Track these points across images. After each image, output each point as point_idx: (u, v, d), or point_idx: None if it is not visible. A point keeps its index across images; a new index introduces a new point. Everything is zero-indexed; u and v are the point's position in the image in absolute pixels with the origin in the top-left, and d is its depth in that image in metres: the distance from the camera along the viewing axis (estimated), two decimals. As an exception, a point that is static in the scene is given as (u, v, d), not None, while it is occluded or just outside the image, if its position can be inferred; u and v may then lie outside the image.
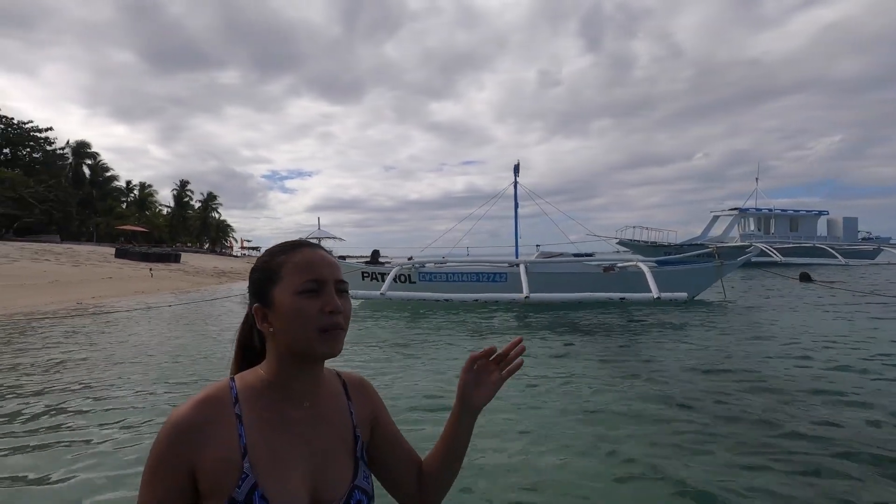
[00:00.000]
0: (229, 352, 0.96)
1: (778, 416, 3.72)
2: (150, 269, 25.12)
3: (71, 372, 5.50)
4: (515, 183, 15.19)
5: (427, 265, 13.59)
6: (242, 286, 24.48)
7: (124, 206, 58.78)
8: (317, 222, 30.59)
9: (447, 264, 13.96)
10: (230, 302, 14.80)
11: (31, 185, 40.54)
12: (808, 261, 29.65)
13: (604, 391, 4.52)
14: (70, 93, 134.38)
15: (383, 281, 12.06)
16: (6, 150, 47.09)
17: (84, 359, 6.20)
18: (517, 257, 14.10)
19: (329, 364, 0.92)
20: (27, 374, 5.39)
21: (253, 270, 0.88)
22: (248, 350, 0.93)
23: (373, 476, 0.93)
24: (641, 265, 11.54)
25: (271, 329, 0.82)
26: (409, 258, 15.49)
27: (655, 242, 34.44)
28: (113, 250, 31.01)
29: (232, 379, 0.84)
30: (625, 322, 9.04)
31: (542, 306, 11.01)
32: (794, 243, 33.47)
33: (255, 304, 0.85)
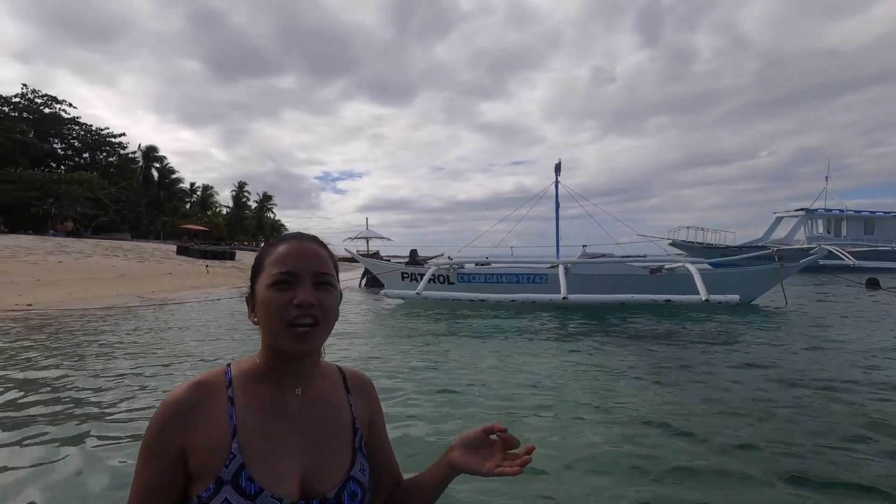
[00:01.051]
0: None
1: (836, 450, 3.04)
2: (207, 266, 26.51)
3: (131, 355, 5.83)
4: (557, 182, 14.85)
5: (466, 265, 13.51)
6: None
7: (188, 206, 62.49)
8: (365, 222, 31.32)
9: (490, 265, 13.84)
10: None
11: (106, 186, 43.87)
12: (886, 265, 27.12)
13: (646, 404, 4.04)
14: (143, 101, 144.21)
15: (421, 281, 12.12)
16: (85, 155, 51.26)
17: (139, 342, 6.58)
18: (558, 258, 13.75)
19: (334, 360, 0.98)
20: (107, 355, 5.77)
21: (254, 261, 0.91)
22: None
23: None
24: (689, 266, 10.97)
25: (256, 320, 0.85)
26: (442, 254, 15.50)
27: (711, 244, 32.54)
28: (175, 248, 32.98)
29: (228, 365, 0.87)
30: (672, 327, 8.55)
31: (585, 309, 10.62)
32: (869, 246, 30.71)
33: (247, 295, 0.89)
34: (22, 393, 4.30)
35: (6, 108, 44.79)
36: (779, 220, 37.88)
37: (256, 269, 0.87)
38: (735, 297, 9.77)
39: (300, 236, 0.90)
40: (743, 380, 4.86)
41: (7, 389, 4.41)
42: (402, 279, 13.58)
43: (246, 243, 61.85)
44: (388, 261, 17.38)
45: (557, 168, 14.83)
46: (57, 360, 5.61)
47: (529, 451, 0.84)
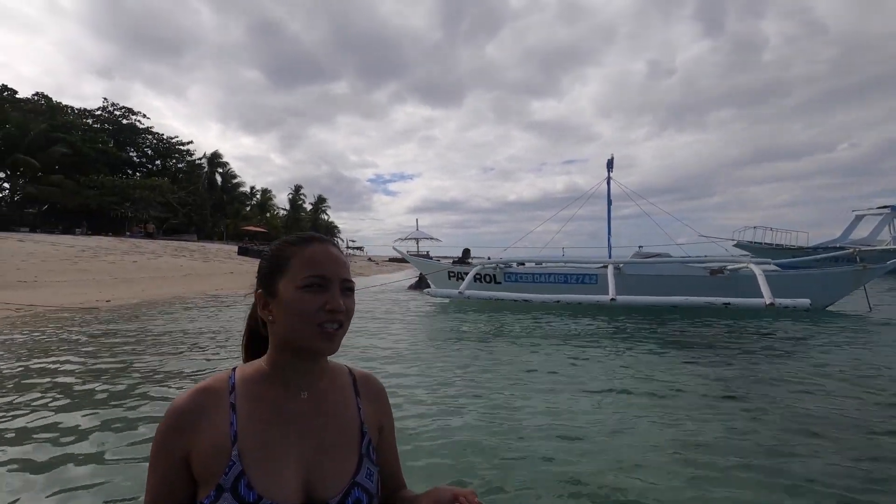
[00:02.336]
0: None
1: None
2: (265, 266, 27.65)
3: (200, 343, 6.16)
4: (609, 179, 14.30)
5: (514, 265, 13.29)
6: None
7: (248, 209, 65.65)
8: (415, 224, 31.66)
9: (540, 264, 13.56)
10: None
11: (175, 191, 46.95)
12: None
13: (704, 418, 3.69)
14: (209, 110, 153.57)
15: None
16: (157, 162, 55.11)
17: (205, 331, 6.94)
18: (610, 258, 13.24)
19: (340, 359, 0.96)
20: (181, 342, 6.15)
21: (263, 257, 0.90)
22: (257, 337, 0.95)
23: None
24: (753, 267, 10.18)
25: (271, 317, 0.84)
26: (488, 258, 15.29)
27: (781, 245, 30.01)
28: (236, 248, 34.72)
29: (234, 369, 0.87)
30: (740, 333, 7.95)
31: (643, 311, 10.11)
32: None
33: (259, 290, 0.86)
34: (117, 376, 4.62)
35: (90, 121, 48.98)
36: (859, 218, 34.68)
37: (277, 268, 0.84)
38: (804, 302, 8.94)
39: (322, 239, 0.89)
40: (827, 396, 4.37)
41: (106, 374, 4.75)
42: (450, 278, 13.56)
43: (302, 244, 64.14)
44: (438, 261, 17.40)
45: (610, 164, 14.26)
46: (139, 348, 6.00)
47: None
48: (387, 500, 0.97)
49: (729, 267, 11.41)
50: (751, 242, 30.37)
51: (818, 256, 14.22)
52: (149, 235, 40.34)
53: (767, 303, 8.79)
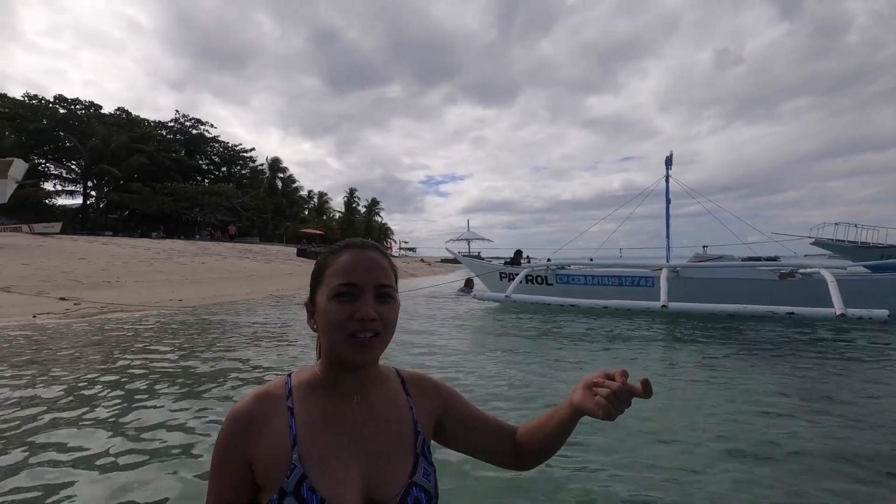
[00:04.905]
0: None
1: None
2: (322, 267, 28.65)
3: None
4: (668, 177, 13.66)
5: (566, 267, 13.03)
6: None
7: (306, 212, 68.31)
8: (466, 224, 31.74)
9: (593, 266, 13.22)
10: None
11: (239, 196, 49.68)
12: None
13: (783, 436, 3.36)
14: (270, 117, 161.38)
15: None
16: (223, 169, 58.50)
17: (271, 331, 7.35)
18: (668, 260, 12.69)
19: (388, 362, 0.97)
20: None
21: (315, 264, 0.91)
22: None
23: (436, 475, 0.91)
24: (824, 272, 9.33)
25: (315, 327, 0.86)
26: (548, 259, 15.04)
27: (867, 243, 27.01)
28: (295, 250, 36.21)
29: (289, 375, 0.88)
30: (814, 342, 7.38)
31: (702, 317, 9.61)
32: None
33: (307, 301, 0.89)
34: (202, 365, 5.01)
35: (164, 132, 52.77)
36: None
37: (317, 277, 0.86)
38: (882, 313, 8.09)
39: (362, 244, 0.87)
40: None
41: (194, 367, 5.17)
42: (501, 279, 13.50)
43: (356, 245, 65.96)
44: (490, 262, 17.38)
45: (668, 161, 13.61)
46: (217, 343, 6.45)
47: (643, 383, 0.78)
48: (519, 445, 0.97)
49: (801, 271, 10.58)
50: (831, 240, 27.51)
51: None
52: (231, 237, 43.32)
53: (837, 313, 8.04)
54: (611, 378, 0.82)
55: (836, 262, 13.77)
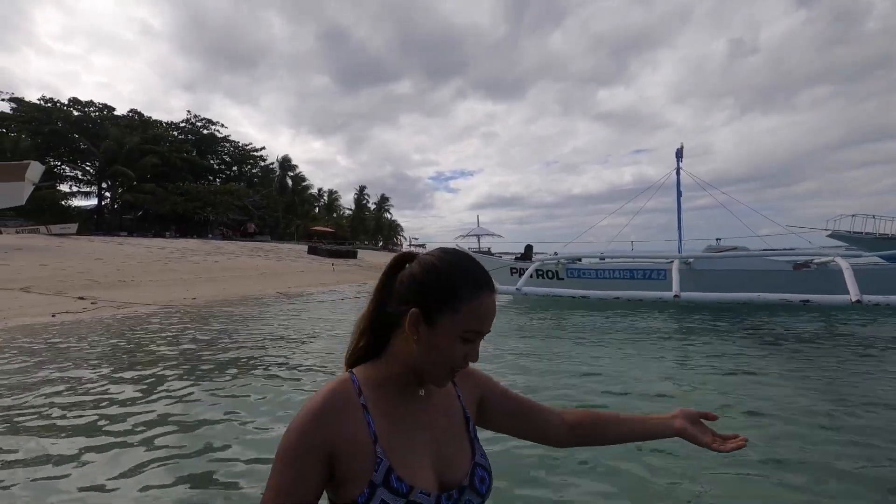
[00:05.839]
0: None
1: None
2: (333, 265, 28.85)
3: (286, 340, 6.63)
4: (679, 169, 13.52)
5: (577, 261, 12.97)
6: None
7: (317, 210, 68.69)
8: (476, 220, 31.71)
9: (605, 260, 13.15)
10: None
11: (250, 195, 50.13)
12: None
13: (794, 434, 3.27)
14: (281, 116, 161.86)
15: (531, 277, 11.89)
16: (234, 168, 59.01)
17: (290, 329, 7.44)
18: (680, 251, 12.57)
19: None
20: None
21: (440, 275, 0.83)
22: (382, 329, 0.90)
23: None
24: (840, 260, 9.21)
25: (416, 338, 0.83)
26: (554, 253, 14.98)
27: (886, 234, 26.29)
28: (306, 248, 36.47)
29: (350, 372, 0.89)
30: (833, 334, 7.28)
31: (717, 308, 9.53)
32: None
33: (416, 310, 0.82)
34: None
35: (175, 133, 53.37)
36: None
37: (447, 303, 0.81)
38: None
39: (493, 286, 0.86)
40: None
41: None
42: (511, 274, 13.49)
43: (366, 242, 66.29)
44: (500, 257, 17.34)
45: (679, 153, 13.47)
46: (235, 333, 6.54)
47: (740, 440, 0.96)
48: (581, 427, 1.05)
49: (816, 260, 10.44)
50: (849, 232, 26.87)
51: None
52: (249, 235, 43.97)
53: (853, 300, 7.92)
54: (707, 418, 1.01)
55: (851, 251, 13.55)
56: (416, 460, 0.83)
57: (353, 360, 0.91)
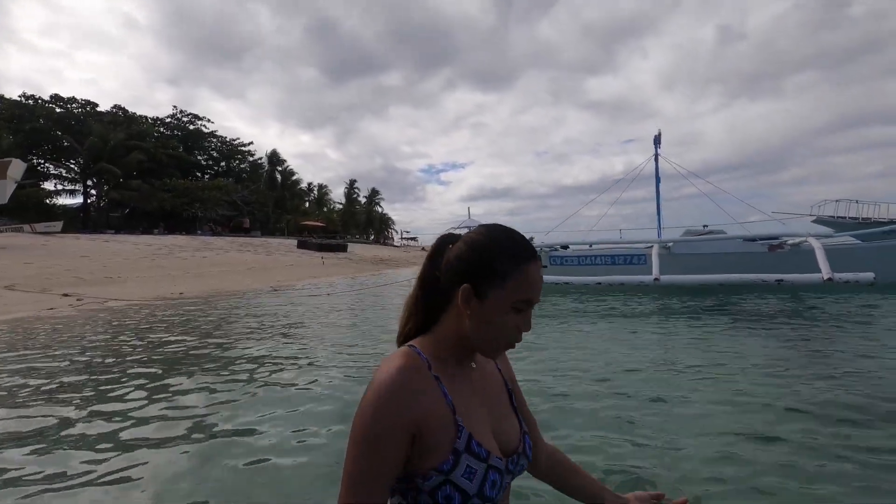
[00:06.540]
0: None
1: None
2: (322, 258, 28.86)
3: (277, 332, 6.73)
4: (657, 156, 13.72)
5: (558, 248, 13.14)
6: (404, 272, 26.59)
7: (307, 204, 68.37)
8: (467, 212, 31.81)
9: (592, 247, 13.32)
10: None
11: (239, 190, 49.76)
12: None
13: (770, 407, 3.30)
14: (270, 110, 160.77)
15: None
16: (222, 163, 58.50)
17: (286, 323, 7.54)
18: (659, 236, 12.79)
19: None
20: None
21: (484, 250, 0.85)
22: (428, 310, 0.93)
23: None
24: (812, 240, 9.51)
25: (468, 311, 0.84)
26: (531, 238, 15.10)
27: (868, 219, 26.74)
28: (296, 242, 36.40)
29: (411, 346, 0.88)
30: (803, 312, 7.51)
31: (696, 291, 9.73)
32: None
33: (467, 286, 0.84)
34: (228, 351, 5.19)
35: (161, 129, 52.76)
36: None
37: (496, 275, 0.83)
38: (868, 276, 8.30)
39: (538, 256, 0.89)
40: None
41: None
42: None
43: (357, 236, 66.18)
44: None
45: (657, 140, 13.66)
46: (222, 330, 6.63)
47: None
48: (545, 466, 1.08)
49: (789, 241, 10.70)
50: (832, 217, 27.37)
51: (890, 228, 12.96)
52: (245, 231, 43.79)
53: (825, 277, 8.24)
54: (658, 499, 1.06)
55: (818, 233, 13.91)
56: (485, 429, 0.86)
57: (403, 341, 0.93)
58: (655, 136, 13.75)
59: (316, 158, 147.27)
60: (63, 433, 3.15)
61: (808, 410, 3.19)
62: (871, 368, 4.18)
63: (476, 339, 0.85)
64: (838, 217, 27.47)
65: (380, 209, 76.37)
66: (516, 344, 0.86)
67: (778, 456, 2.53)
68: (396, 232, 79.84)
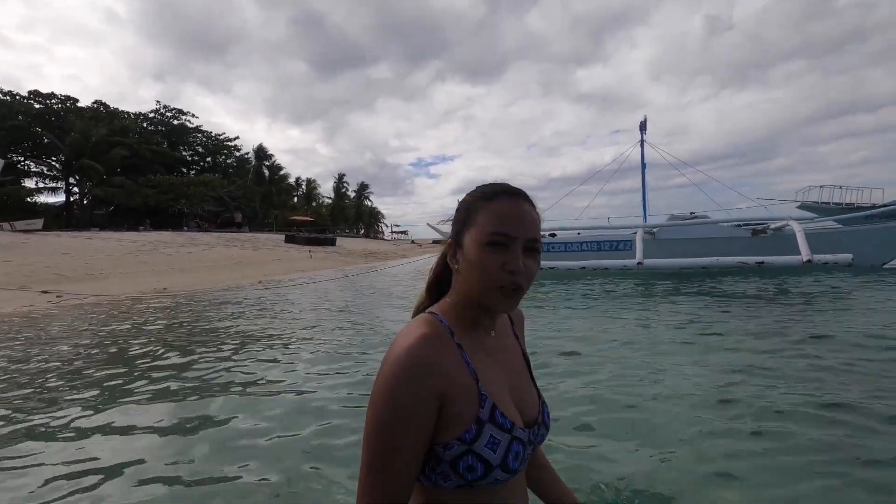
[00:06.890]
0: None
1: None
2: (310, 252, 28.70)
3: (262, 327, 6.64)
4: (642, 142, 13.76)
5: (546, 236, 13.16)
6: (392, 265, 26.55)
7: (295, 199, 67.85)
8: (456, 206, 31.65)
9: (578, 234, 13.38)
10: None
11: (225, 186, 49.23)
12: None
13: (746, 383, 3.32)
14: (257, 105, 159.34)
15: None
16: (208, 159, 57.78)
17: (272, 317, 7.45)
18: (644, 221, 12.85)
19: None
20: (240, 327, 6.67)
21: (462, 202, 0.87)
22: (441, 283, 0.95)
23: None
24: (793, 224, 9.66)
25: (457, 266, 0.85)
26: None
27: (852, 204, 27.27)
28: (283, 237, 36.15)
29: (432, 313, 0.86)
30: (782, 292, 7.58)
31: (681, 276, 9.79)
32: None
33: (450, 239, 0.88)
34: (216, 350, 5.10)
35: (145, 124, 51.93)
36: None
37: (465, 218, 0.84)
38: (846, 257, 8.43)
39: (516, 193, 0.85)
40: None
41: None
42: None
43: (347, 230, 65.89)
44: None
45: (643, 126, 13.70)
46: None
47: None
48: (539, 459, 1.08)
49: (772, 226, 10.82)
50: (817, 203, 27.86)
51: (870, 212, 13.17)
52: (238, 226, 43.55)
53: (804, 259, 8.38)
54: None
55: (806, 215, 14.16)
56: (506, 398, 0.84)
57: (419, 311, 0.93)
58: (641, 122, 13.74)
59: (306, 153, 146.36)
60: (21, 426, 3.07)
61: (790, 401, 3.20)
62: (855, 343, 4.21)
63: (473, 291, 0.82)
64: (822, 203, 27.95)
65: (369, 203, 76.07)
66: (519, 288, 0.79)
67: (755, 444, 2.45)
68: (387, 226, 79.65)
